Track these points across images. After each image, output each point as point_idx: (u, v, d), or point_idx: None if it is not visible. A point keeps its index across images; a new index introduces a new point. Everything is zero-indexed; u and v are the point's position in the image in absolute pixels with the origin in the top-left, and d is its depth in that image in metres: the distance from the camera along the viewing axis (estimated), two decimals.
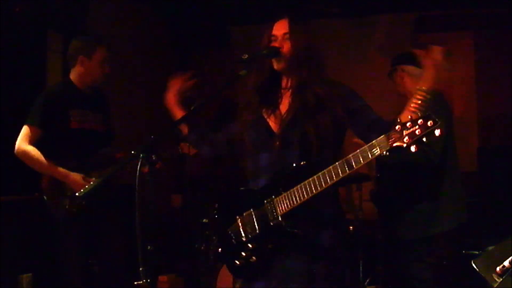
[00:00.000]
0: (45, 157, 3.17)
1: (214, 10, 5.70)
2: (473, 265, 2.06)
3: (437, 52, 2.26)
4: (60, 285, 3.41)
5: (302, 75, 2.27)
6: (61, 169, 3.18)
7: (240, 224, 2.27)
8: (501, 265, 1.96)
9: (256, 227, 2.22)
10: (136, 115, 5.37)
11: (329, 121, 2.21)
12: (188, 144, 3.45)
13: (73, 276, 3.25)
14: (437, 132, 1.85)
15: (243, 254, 2.24)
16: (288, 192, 2.13)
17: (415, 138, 1.87)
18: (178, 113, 2.57)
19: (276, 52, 2.28)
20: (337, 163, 2.04)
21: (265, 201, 2.19)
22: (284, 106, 2.32)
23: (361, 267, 4.11)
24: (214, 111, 4.84)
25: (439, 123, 1.84)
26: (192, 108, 2.36)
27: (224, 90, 2.37)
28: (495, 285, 1.95)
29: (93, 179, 3.17)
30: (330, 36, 5.53)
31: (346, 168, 2.02)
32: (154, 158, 2.05)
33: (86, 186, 2.55)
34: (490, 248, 2.60)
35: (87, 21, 4.61)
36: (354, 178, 4.18)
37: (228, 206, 2.39)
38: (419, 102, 2.15)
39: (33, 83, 4.18)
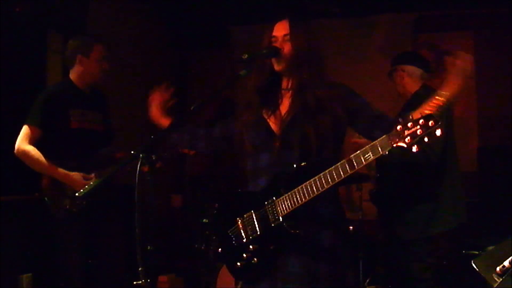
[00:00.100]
0: (45, 157, 3.17)
1: (214, 10, 5.70)
2: (473, 265, 2.06)
3: (464, 58, 2.17)
4: (60, 285, 3.41)
5: (303, 76, 2.27)
6: (61, 169, 3.18)
7: (240, 225, 2.27)
8: (501, 265, 1.96)
9: (257, 228, 2.21)
10: (136, 115, 5.35)
11: (329, 122, 2.20)
12: None
13: (73, 276, 3.25)
14: (438, 132, 1.84)
15: (245, 255, 2.24)
16: (289, 193, 2.12)
17: (416, 138, 1.86)
18: (167, 123, 2.59)
19: (276, 52, 2.28)
20: (338, 163, 2.03)
21: (265, 202, 2.19)
22: (284, 107, 2.32)
23: (361, 267, 4.11)
24: (214, 111, 4.83)
25: (440, 123, 1.84)
26: (192, 108, 2.36)
27: (224, 90, 2.36)
28: (495, 285, 1.95)
29: (93, 178, 3.18)
30: (330, 36, 5.53)
31: (348, 169, 2.01)
32: (154, 158, 2.05)
33: (86, 186, 2.54)
34: (490, 248, 2.61)
35: (87, 21, 4.61)
36: (354, 178, 4.18)
37: (228, 208, 2.38)
38: (436, 106, 2.07)
39: (33, 83, 4.18)
